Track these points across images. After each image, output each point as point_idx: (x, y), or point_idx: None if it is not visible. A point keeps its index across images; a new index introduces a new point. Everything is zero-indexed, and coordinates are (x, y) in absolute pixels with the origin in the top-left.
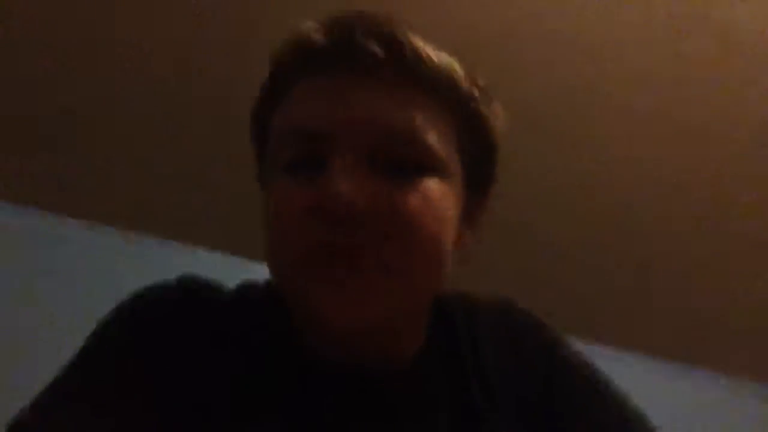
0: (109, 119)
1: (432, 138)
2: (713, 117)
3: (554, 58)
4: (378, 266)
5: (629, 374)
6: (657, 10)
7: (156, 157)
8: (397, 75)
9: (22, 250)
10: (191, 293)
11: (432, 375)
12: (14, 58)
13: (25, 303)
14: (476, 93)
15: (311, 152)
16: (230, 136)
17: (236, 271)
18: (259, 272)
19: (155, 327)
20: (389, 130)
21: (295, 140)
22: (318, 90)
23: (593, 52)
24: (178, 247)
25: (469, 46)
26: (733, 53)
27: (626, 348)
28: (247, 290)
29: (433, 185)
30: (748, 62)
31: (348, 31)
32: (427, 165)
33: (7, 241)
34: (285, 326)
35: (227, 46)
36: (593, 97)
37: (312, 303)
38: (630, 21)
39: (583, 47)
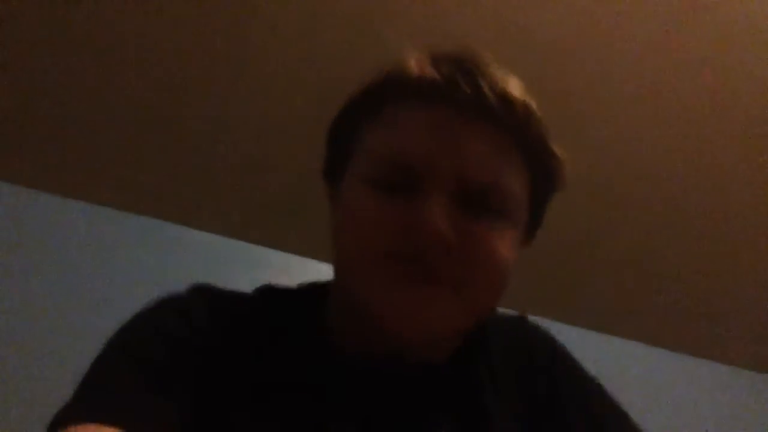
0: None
1: (515, 190)
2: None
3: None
4: (452, 286)
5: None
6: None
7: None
8: (499, 125)
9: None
10: (211, 294)
11: (450, 378)
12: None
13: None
14: (557, 152)
15: (406, 176)
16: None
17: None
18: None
19: (182, 320)
20: (482, 177)
21: (394, 164)
22: (424, 123)
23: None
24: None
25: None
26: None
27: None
28: (267, 292)
29: (507, 231)
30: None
31: (469, 74)
32: (504, 212)
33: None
34: (313, 325)
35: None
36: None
37: (381, 308)
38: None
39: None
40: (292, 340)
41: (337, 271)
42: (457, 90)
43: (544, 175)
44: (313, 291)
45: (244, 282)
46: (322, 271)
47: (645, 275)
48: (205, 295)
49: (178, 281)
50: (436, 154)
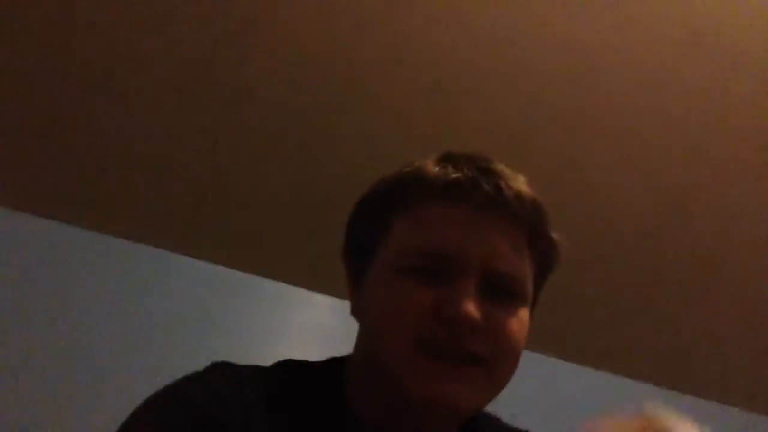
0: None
1: (528, 278)
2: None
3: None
4: (480, 363)
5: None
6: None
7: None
8: (515, 220)
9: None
10: (231, 371)
11: None
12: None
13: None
14: (557, 244)
15: (439, 266)
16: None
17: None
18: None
19: (204, 395)
20: (506, 270)
21: (430, 257)
22: (458, 219)
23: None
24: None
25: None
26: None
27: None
28: (285, 368)
29: (522, 313)
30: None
31: (488, 174)
32: (521, 297)
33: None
34: (333, 399)
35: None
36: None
37: (418, 389)
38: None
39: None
40: (313, 415)
41: (367, 354)
42: (479, 189)
43: (545, 262)
44: (331, 366)
45: (237, 311)
46: (314, 301)
47: (645, 316)
48: (225, 372)
49: (172, 311)
50: (467, 246)
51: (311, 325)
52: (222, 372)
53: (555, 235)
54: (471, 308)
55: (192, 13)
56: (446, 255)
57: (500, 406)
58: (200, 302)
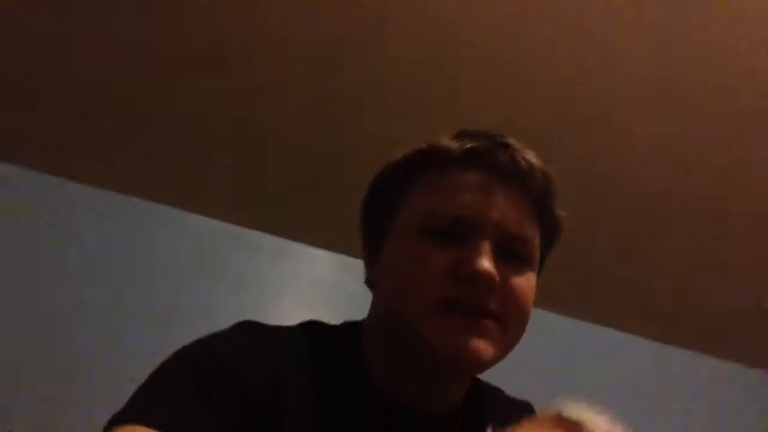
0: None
1: (536, 242)
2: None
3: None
4: (497, 320)
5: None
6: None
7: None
8: (526, 188)
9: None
10: (258, 329)
11: (463, 424)
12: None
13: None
14: (560, 214)
15: (456, 227)
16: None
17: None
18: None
19: (222, 363)
20: (518, 233)
21: (448, 218)
22: (476, 184)
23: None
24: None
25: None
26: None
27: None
28: (310, 328)
29: (531, 276)
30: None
31: (503, 145)
32: (531, 261)
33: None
34: (352, 362)
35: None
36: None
37: (443, 345)
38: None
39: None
40: (333, 375)
41: (388, 318)
42: (494, 157)
43: (550, 233)
44: (350, 330)
45: (239, 265)
46: (315, 256)
47: (643, 270)
48: (254, 331)
49: (173, 264)
50: (483, 209)
51: (312, 280)
52: (251, 331)
53: (560, 212)
54: (488, 265)
55: None
56: (463, 217)
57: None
58: (202, 257)
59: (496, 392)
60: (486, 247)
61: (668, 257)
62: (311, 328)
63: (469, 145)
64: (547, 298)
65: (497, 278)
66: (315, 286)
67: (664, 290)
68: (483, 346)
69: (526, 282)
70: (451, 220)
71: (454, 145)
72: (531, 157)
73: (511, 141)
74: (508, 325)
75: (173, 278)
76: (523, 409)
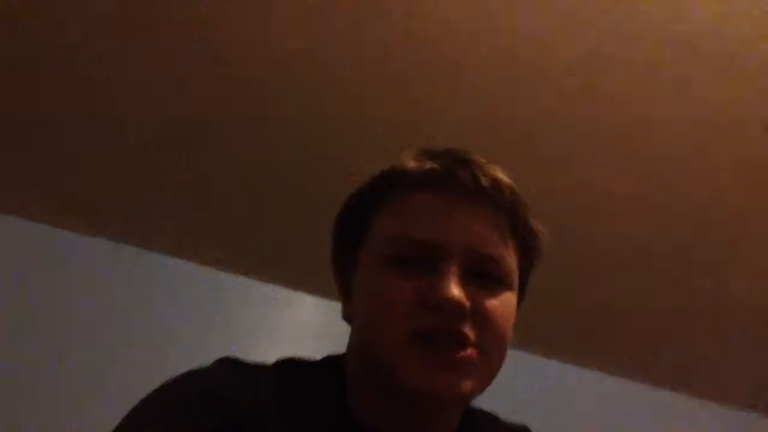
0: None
1: (512, 261)
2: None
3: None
4: (475, 350)
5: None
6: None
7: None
8: (494, 205)
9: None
10: (236, 366)
11: None
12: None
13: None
14: (538, 229)
15: (422, 253)
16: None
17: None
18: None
19: (204, 397)
20: (487, 253)
21: (410, 244)
22: (438, 207)
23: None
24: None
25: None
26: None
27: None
28: (287, 365)
29: (508, 298)
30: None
31: (464, 163)
32: (506, 282)
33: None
34: (332, 399)
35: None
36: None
37: (416, 379)
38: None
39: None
40: (314, 412)
41: (363, 352)
42: (455, 177)
43: (527, 248)
44: (330, 365)
45: (228, 311)
46: (303, 302)
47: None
48: (231, 366)
49: (161, 310)
50: (447, 231)
51: (300, 326)
52: (230, 368)
53: (534, 222)
54: (455, 291)
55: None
56: (427, 241)
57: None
58: (190, 304)
59: (491, 418)
60: (452, 271)
61: (670, 302)
62: (291, 364)
63: (428, 167)
64: (546, 344)
65: (467, 303)
66: (304, 331)
67: (665, 335)
68: (457, 379)
69: (501, 304)
70: (414, 246)
71: (413, 167)
72: (495, 172)
73: (474, 157)
74: (487, 351)
75: (161, 324)
76: None
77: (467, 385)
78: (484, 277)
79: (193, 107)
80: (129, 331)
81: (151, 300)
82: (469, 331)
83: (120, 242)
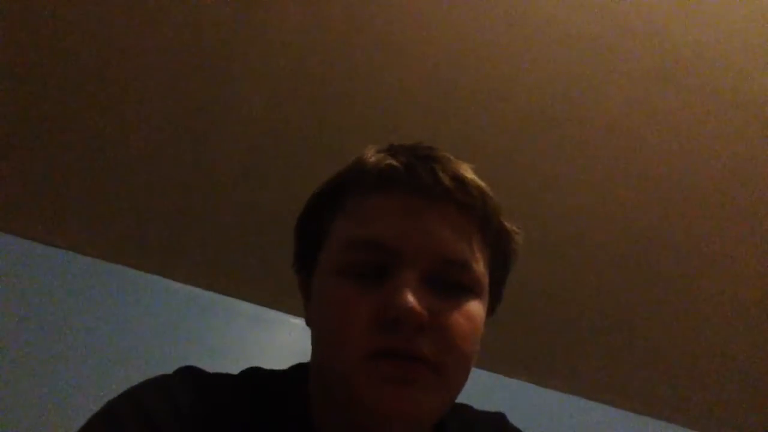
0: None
1: (479, 267)
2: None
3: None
4: (431, 364)
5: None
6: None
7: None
8: (458, 206)
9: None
10: (196, 378)
11: None
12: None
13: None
14: (511, 229)
15: (379, 259)
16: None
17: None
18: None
19: (161, 410)
20: (450, 257)
21: (365, 249)
22: (395, 208)
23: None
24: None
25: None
26: None
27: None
28: (252, 378)
29: (475, 306)
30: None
31: (425, 161)
32: (472, 288)
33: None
34: (295, 411)
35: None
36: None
37: (369, 401)
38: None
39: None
40: (276, 426)
41: (321, 366)
42: (414, 175)
43: (500, 250)
44: (296, 375)
45: (214, 332)
46: (291, 324)
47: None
48: (189, 378)
49: (146, 330)
50: (402, 235)
51: (287, 347)
52: (189, 381)
53: (507, 222)
54: (411, 301)
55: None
56: (382, 248)
57: None
58: (176, 324)
59: (463, 412)
60: (410, 278)
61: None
62: (254, 374)
63: (385, 164)
64: (543, 372)
65: (424, 314)
66: (290, 353)
67: (658, 363)
68: (414, 398)
69: (466, 314)
70: (369, 253)
71: (370, 164)
72: (460, 170)
73: (438, 154)
74: (446, 367)
75: (146, 344)
76: (494, 423)
77: (425, 404)
78: (448, 284)
79: (179, 114)
80: (112, 350)
81: (134, 318)
82: (427, 347)
83: (104, 260)
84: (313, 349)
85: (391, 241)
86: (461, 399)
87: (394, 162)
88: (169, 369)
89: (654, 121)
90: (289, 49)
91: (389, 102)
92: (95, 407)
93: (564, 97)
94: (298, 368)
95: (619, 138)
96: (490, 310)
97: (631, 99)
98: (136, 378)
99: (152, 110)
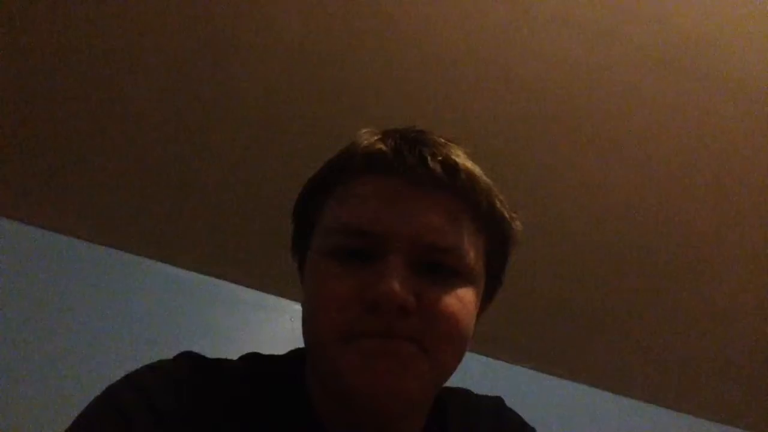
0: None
1: (471, 253)
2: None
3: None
4: (418, 347)
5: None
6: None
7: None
8: (450, 190)
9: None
10: (195, 365)
11: None
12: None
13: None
14: (506, 214)
15: (364, 245)
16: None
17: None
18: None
19: (162, 394)
20: (439, 242)
21: (352, 233)
22: (380, 193)
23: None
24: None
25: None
26: None
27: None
28: (251, 363)
29: (466, 291)
30: None
31: (413, 144)
32: (462, 274)
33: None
34: (294, 396)
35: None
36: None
37: (350, 377)
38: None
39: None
40: (274, 412)
41: (308, 348)
42: (402, 160)
43: (496, 235)
44: (294, 358)
45: (215, 318)
46: (292, 310)
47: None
48: (190, 363)
49: (147, 316)
50: (388, 219)
51: (289, 333)
52: (189, 367)
53: (503, 207)
54: (394, 285)
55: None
56: (368, 232)
57: None
58: (177, 309)
59: (462, 399)
60: (395, 263)
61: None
62: (254, 358)
63: (374, 149)
64: (556, 362)
65: (408, 298)
66: (291, 338)
67: (660, 351)
68: (393, 371)
69: (454, 299)
70: (355, 238)
71: (360, 148)
72: (450, 153)
73: (428, 137)
74: (434, 351)
75: (147, 330)
76: (492, 407)
77: (409, 380)
78: (436, 270)
79: (181, 111)
80: (114, 336)
81: (135, 304)
82: (413, 328)
83: (106, 245)
84: (302, 330)
85: (373, 226)
86: (463, 385)
87: (382, 146)
88: (169, 354)
89: (654, 107)
90: (290, 35)
91: (390, 91)
92: (95, 392)
93: (564, 84)
94: (297, 351)
95: (619, 125)
96: (489, 297)
97: (631, 85)
98: (137, 363)
99: (154, 96)
